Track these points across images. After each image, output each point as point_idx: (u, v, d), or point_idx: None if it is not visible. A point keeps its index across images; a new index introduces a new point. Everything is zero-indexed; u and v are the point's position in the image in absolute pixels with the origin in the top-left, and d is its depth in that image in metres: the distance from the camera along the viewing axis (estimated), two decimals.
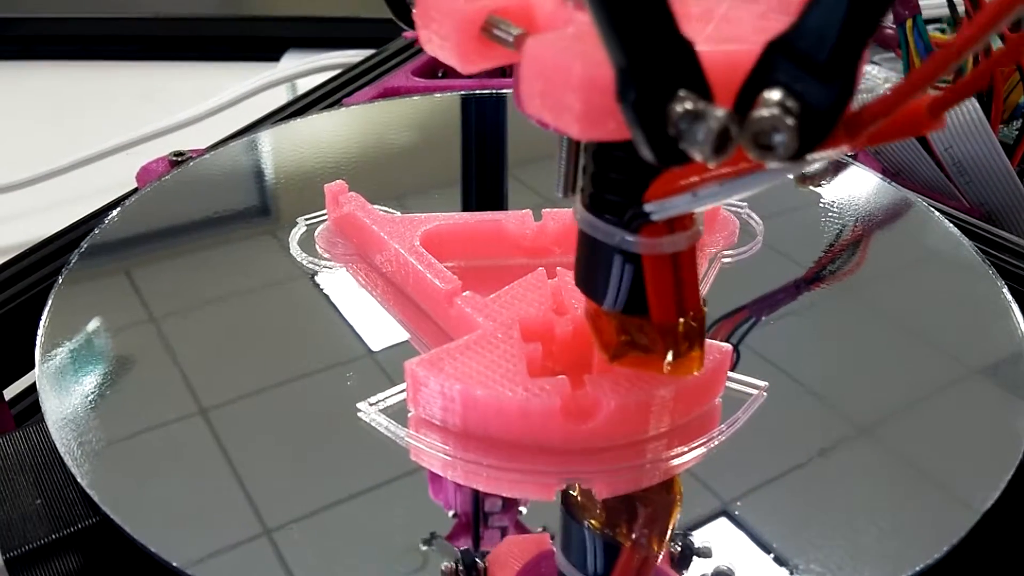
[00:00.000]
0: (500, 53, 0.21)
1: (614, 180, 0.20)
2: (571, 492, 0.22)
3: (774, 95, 0.15)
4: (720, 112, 0.16)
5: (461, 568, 0.21)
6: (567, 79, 0.18)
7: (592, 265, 0.21)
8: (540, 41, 0.19)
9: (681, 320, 0.21)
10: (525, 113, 0.19)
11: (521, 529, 0.22)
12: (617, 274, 0.21)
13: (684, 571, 0.21)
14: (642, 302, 0.21)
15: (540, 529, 0.22)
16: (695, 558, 0.21)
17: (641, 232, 0.20)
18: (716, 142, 0.15)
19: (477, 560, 0.21)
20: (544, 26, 0.21)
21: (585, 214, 0.21)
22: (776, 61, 0.16)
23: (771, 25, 0.16)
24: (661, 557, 0.21)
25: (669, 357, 0.21)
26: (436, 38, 0.22)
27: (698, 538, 0.21)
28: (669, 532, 0.22)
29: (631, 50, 0.16)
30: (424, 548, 0.22)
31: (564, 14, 0.20)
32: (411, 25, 0.23)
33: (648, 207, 0.19)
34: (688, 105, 0.16)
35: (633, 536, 0.21)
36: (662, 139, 0.16)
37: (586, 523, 0.22)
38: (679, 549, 0.21)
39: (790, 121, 0.15)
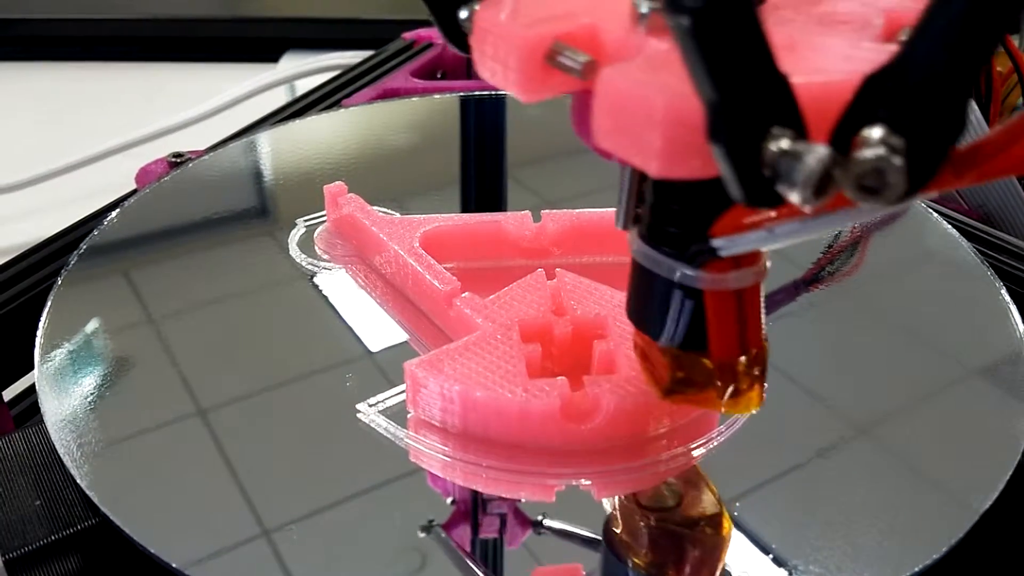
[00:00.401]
0: (565, 81, 0.19)
1: (677, 212, 0.19)
2: (614, 528, 0.22)
3: (876, 133, 0.14)
4: (822, 151, 0.14)
5: None
6: (649, 113, 0.16)
7: (647, 299, 0.20)
8: (616, 71, 0.17)
9: (743, 358, 0.20)
10: (594, 147, 0.18)
11: (520, 519, 0.22)
12: (676, 309, 0.20)
13: None
14: (701, 338, 0.20)
15: (540, 516, 0.22)
16: None
17: (705, 267, 0.19)
18: (817, 185, 0.14)
19: None
20: (613, 53, 0.19)
21: (642, 246, 0.20)
22: (878, 94, 0.15)
23: (860, 54, 0.15)
24: None
25: (728, 394, 0.20)
26: (495, 65, 0.20)
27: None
28: (718, 572, 0.21)
29: (726, 86, 0.15)
30: (422, 536, 0.22)
31: (635, 40, 0.19)
32: (467, 51, 0.21)
33: (716, 242, 0.18)
34: (785, 144, 0.15)
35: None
36: (756, 180, 0.15)
37: (629, 562, 0.21)
38: None
39: (898, 161, 0.14)
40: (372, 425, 0.24)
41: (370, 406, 0.25)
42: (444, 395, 0.23)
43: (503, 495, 0.23)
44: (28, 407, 0.32)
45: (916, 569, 0.20)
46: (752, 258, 0.19)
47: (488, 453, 0.23)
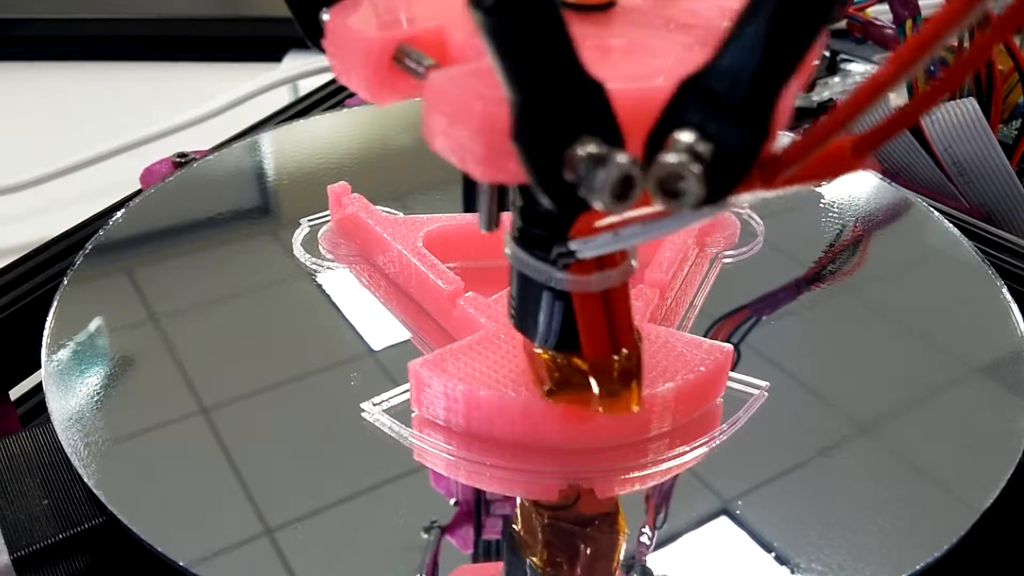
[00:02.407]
0: (414, 85, 0.19)
1: (540, 216, 0.19)
2: (514, 527, 0.22)
3: (684, 137, 0.14)
4: (622, 157, 0.15)
5: None
6: (467, 118, 0.16)
7: (524, 301, 0.21)
8: (443, 76, 0.17)
9: (616, 358, 0.20)
10: (433, 150, 0.18)
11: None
12: (547, 311, 0.20)
13: None
14: (574, 339, 0.20)
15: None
16: None
17: (569, 269, 0.19)
18: (616, 189, 0.15)
19: None
20: (456, 57, 0.19)
21: (515, 249, 0.20)
22: (689, 101, 0.15)
23: (695, 59, 0.15)
24: None
25: (604, 394, 0.21)
26: (345, 67, 0.21)
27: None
28: (613, 571, 0.21)
29: (525, 88, 0.15)
30: (425, 536, 0.22)
31: (477, 44, 0.18)
32: (323, 50, 0.21)
33: (572, 245, 0.18)
34: (588, 149, 0.15)
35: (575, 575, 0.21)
36: (558, 184, 0.15)
37: (528, 561, 0.21)
38: None
39: (696, 168, 0.14)
40: (376, 424, 0.24)
41: (374, 405, 0.25)
42: (448, 394, 0.23)
43: (506, 493, 0.23)
44: (35, 406, 0.32)
45: (917, 567, 0.21)
46: (615, 259, 0.19)
47: (491, 452, 0.23)
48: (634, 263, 0.20)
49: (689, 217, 0.15)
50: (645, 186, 0.15)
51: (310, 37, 0.21)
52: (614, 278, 0.19)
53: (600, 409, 0.21)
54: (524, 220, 0.19)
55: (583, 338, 0.20)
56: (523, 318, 0.21)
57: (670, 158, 0.14)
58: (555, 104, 0.15)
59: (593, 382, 0.21)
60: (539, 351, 0.21)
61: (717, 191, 0.14)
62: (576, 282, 0.19)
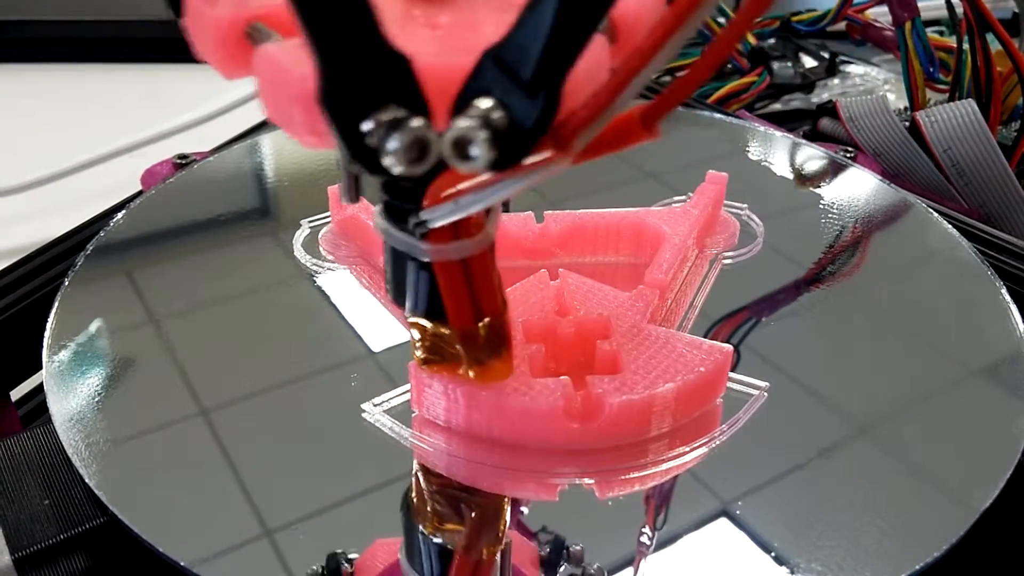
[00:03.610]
0: None
1: (399, 187, 0.19)
2: (410, 494, 0.22)
3: (482, 104, 0.15)
4: (417, 122, 0.15)
5: (325, 572, 0.21)
6: (287, 88, 0.17)
7: (395, 273, 0.21)
8: (270, 49, 0.18)
9: (481, 325, 0.21)
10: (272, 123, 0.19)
11: (519, 527, 0.22)
12: (413, 280, 0.20)
13: (553, 574, 0.21)
14: (440, 308, 0.20)
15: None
16: (565, 563, 0.21)
17: (427, 239, 0.19)
18: (408, 152, 0.15)
19: (343, 563, 0.21)
20: (299, 33, 0.20)
21: (381, 220, 0.20)
22: (488, 70, 0.16)
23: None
24: (520, 559, 0.21)
25: (470, 363, 0.21)
26: (200, 44, 0.21)
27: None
28: (501, 537, 0.21)
29: (323, 55, 0.15)
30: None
31: None
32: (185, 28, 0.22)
33: (422, 214, 0.18)
34: (384, 116, 0.16)
35: (462, 541, 0.21)
36: (362, 148, 0.16)
37: (419, 527, 0.21)
38: (548, 551, 0.21)
39: (484, 133, 0.15)
40: (377, 425, 0.24)
41: (375, 406, 0.25)
42: (448, 395, 0.23)
43: (506, 494, 0.23)
44: (36, 407, 0.32)
45: (917, 567, 0.21)
46: (470, 228, 0.19)
47: (492, 452, 0.23)
48: (492, 232, 0.20)
49: (511, 182, 0.16)
50: (439, 153, 0.15)
51: (175, 13, 0.22)
52: (470, 247, 0.20)
53: (471, 375, 0.22)
54: (386, 192, 0.20)
55: (446, 307, 0.20)
56: (395, 289, 0.21)
57: (461, 122, 0.15)
58: (353, 71, 0.16)
59: (460, 350, 0.21)
60: (411, 321, 0.21)
61: (509, 156, 0.15)
62: (435, 251, 0.19)
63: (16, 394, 0.31)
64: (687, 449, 0.23)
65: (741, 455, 0.24)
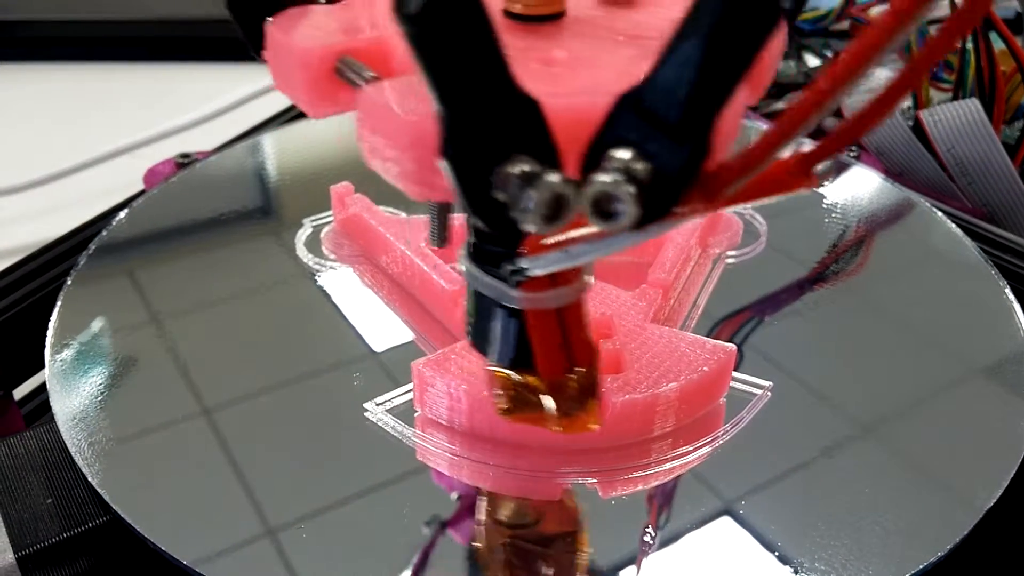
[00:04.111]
0: (353, 98, 0.18)
1: (492, 232, 0.18)
2: (475, 545, 0.22)
3: (620, 155, 0.14)
4: (554, 177, 0.14)
5: None
6: (395, 133, 0.16)
7: (479, 318, 0.20)
8: (375, 88, 0.17)
9: (571, 377, 0.20)
10: (367, 165, 0.18)
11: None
12: (502, 328, 0.19)
13: None
14: (529, 357, 0.19)
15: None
16: None
17: (522, 286, 0.18)
18: (547, 210, 0.14)
19: None
20: (398, 70, 0.19)
21: (469, 265, 0.19)
22: (626, 117, 0.14)
23: (641, 73, 0.14)
24: None
25: (557, 414, 0.20)
26: (284, 78, 0.20)
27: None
28: None
29: (449, 101, 0.14)
30: (426, 532, 0.22)
31: None
32: (264, 60, 0.21)
33: (523, 262, 0.17)
34: (518, 168, 0.14)
35: None
36: (488, 203, 0.15)
37: None
38: None
39: (630, 189, 0.13)
40: (379, 424, 0.24)
41: (377, 405, 0.25)
42: (451, 394, 0.23)
43: (509, 493, 0.23)
44: (38, 406, 0.32)
45: (920, 567, 0.21)
46: (569, 276, 0.18)
47: (495, 452, 0.23)
48: (589, 280, 0.19)
49: (636, 235, 0.14)
50: (579, 206, 0.14)
51: (253, 47, 0.21)
52: (567, 295, 0.19)
53: (557, 428, 0.21)
54: (476, 236, 0.19)
55: (537, 356, 0.19)
56: (478, 335, 0.20)
57: (603, 178, 0.14)
58: (483, 120, 0.14)
59: (548, 401, 0.20)
60: (494, 369, 0.21)
61: (654, 211, 0.14)
62: (529, 299, 0.18)
63: (19, 393, 0.31)
64: (690, 449, 0.23)
65: (744, 455, 0.24)
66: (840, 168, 0.36)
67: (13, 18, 0.64)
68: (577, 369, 0.20)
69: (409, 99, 0.16)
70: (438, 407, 0.24)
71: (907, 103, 0.46)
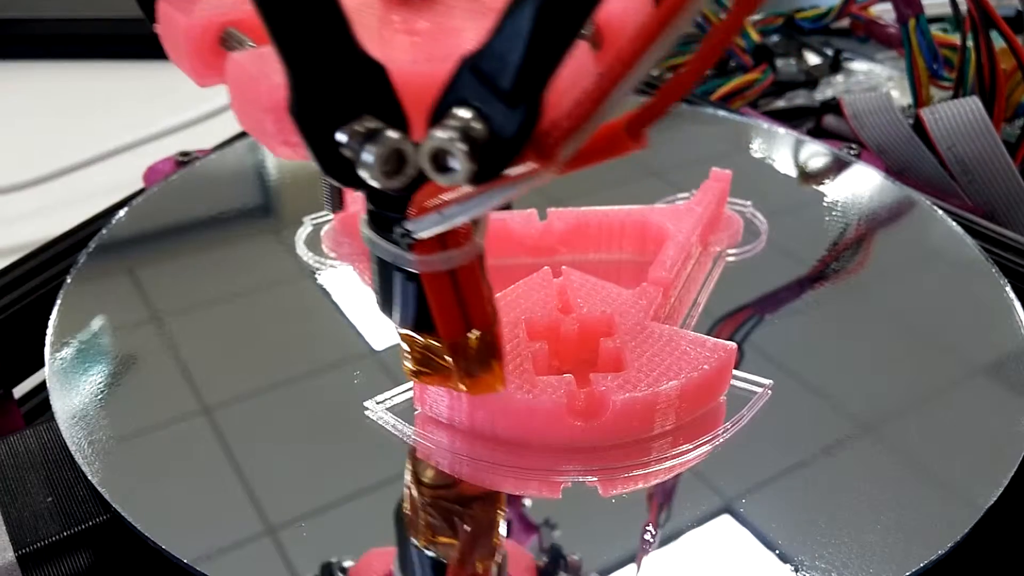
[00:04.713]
0: None
1: (383, 196, 0.19)
2: (403, 507, 0.22)
3: (461, 114, 0.15)
4: (393, 134, 0.15)
5: None
6: (258, 98, 0.17)
7: (383, 284, 0.21)
8: (243, 56, 0.18)
9: (472, 337, 0.20)
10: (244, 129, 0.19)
11: (522, 522, 0.22)
12: (401, 292, 0.20)
13: None
14: (429, 320, 0.20)
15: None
16: (563, 572, 0.21)
17: (414, 249, 0.19)
18: (385, 165, 0.15)
19: (337, 573, 0.21)
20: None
21: (368, 231, 0.20)
22: (466, 80, 0.15)
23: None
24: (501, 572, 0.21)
25: (460, 374, 0.21)
26: (174, 51, 0.21)
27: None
28: (495, 549, 0.21)
29: (294, 63, 0.15)
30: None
31: None
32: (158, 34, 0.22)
33: (408, 225, 0.18)
34: (359, 127, 0.15)
35: (456, 555, 0.21)
36: (335, 160, 0.16)
37: (412, 540, 0.21)
38: (545, 561, 0.21)
39: (463, 146, 0.14)
40: (379, 422, 0.24)
41: (377, 403, 0.25)
42: (451, 392, 0.23)
43: (510, 492, 0.23)
44: (38, 404, 0.32)
45: (920, 565, 0.21)
46: (459, 239, 0.19)
47: (495, 450, 0.23)
48: (480, 242, 0.20)
49: (496, 193, 0.15)
50: (417, 164, 0.15)
51: (148, 18, 0.22)
52: (458, 258, 0.19)
53: (463, 388, 0.21)
54: (371, 202, 0.19)
55: (435, 318, 0.20)
56: (384, 301, 0.21)
57: (440, 134, 0.15)
58: (325, 81, 0.15)
59: (451, 361, 0.21)
60: (401, 332, 0.21)
61: (489, 168, 0.15)
62: (422, 262, 0.19)
63: (19, 391, 0.31)
64: (690, 447, 0.23)
65: (744, 453, 0.24)
66: (840, 166, 0.36)
67: (13, 16, 0.64)
68: (476, 331, 0.20)
69: (270, 64, 0.17)
70: (438, 405, 0.24)
71: (908, 101, 0.46)
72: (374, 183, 0.15)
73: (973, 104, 0.37)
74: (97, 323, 0.28)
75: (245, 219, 0.34)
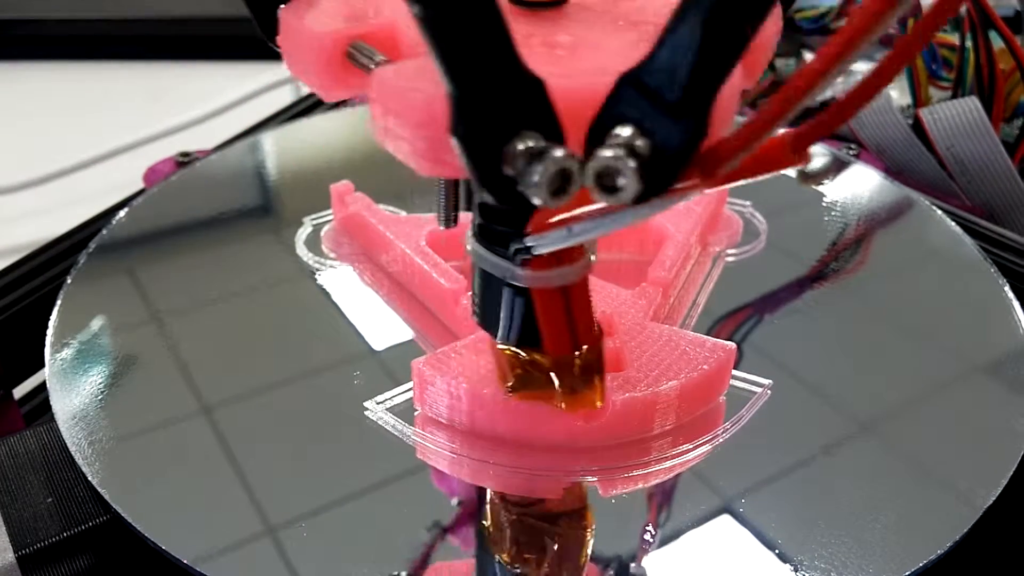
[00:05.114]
0: (365, 82, 0.19)
1: (499, 212, 0.19)
2: (484, 523, 0.22)
3: (623, 132, 0.15)
4: (559, 152, 0.15)
5: None
6: (408, 111, 0.17)
7: (485, 297, 0.21)
8: (388, 71, 0.18)
9: (577, 354, 0.20)
10: (379, 145, 0.18)
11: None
12: (508, 307, 0.20)
13: None
14: (535, 335, 0.20)
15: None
16: None
17: (528, 265, 0.19)
18: (553, 183, 0.15)
19: None
20: (407, 54, 0.19)
21: (475, 245, 0.20)
22: (627, 95, 0.15)
23: (641, 56, 0.15)
24: None
25: (563, 391, 0.21)
26: (298, 64, 0.21)
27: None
28: (581, 567, 0.21)
29: (459, 80, 0.15)
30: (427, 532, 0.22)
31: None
32: (277, 47, 0.21)
33: (528, 240, 0.18)
34: (525, 144, 0.15)
35: (543, 572, 0.21)
36: (497, 179, 0.15)
37: (497, 558, 0.21)
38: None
39: (632, 163, 0.14)
40: (379, 423, 0.24)
41: (377, 404, 0.25)
42: (451, 392, 0.23)
43: (510, 492, 0.23)
44: (38, 405, 0.32)
45: (920, 564, 0.21)
46: (573, 255, 0.19)
47: (495, 450, 0.23)
48: (593, 258, 0.20)
49: (638, 212, 0.15)
50: (583, 181, 0.15)
51: (266, 34, 0.21)
52: (572, 274, 0.19)
53: (563, 406, 0.21)
54: (483, 216, 0.19)
55: (544, 334, 0.20)
56: (485, 315, 0.21)
57: (606, 152, 0.14)
58: (491, 98, 0.15)
59: (554, 378, 0.21)
60: (501, 348, 0.21)
61: (655, 186, 0.14)
62: (535, 278, 0.19)
63: (19, 392, 0.31)
64: (690, 447, 0.23)
65: (744, 453, 0.24)
66: (840, 166, 0.36)
67: (13, 17, 0.64)
68: (582, 347, 0.20)
69: (420, 80, 0.17)
70: (438, 405, 0.24)
71: (907, 101, 0.46)
72: (539, 201, 0.15)
73: (972, 104, 0.37)
74: (97, 323, 0.28)
75: (245, 219, 0.34)
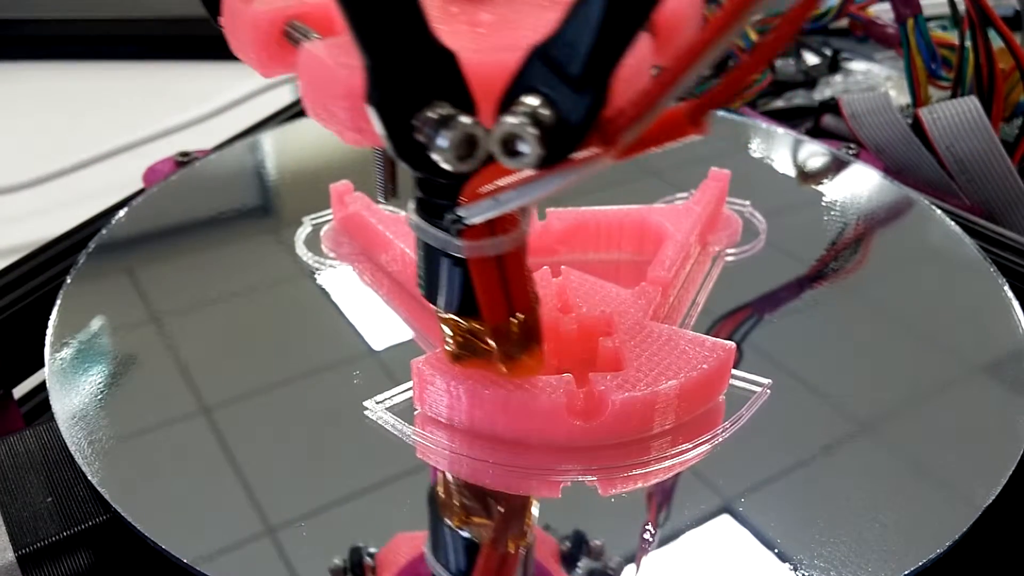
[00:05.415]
0: None
1: (435, 185, 0.19)
2: (437, 489, 0.23)
3: (530, 101, 0.16)
4: (466, 119, 0.16)
5: (348, 567, 0.21)
6: (333, 85, 0.18)
7: (428, 269, 0.21)
8: (315, 46, 0.19)
9: (513, 321, 0.21)
10: (309, 116, 0.19)
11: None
12: (447, 277, 0.21)
13: (572, 570, 0.21)
14: (473, 304, 0.21)
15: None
16: (585, 558, 0.21)
17: (463, 235, 0.19)
18: (459, 149, 0.16)
19: (366, 557, 0.21)
20: (341, 32, 0.20)
21: (415, 218, 0.21)
22: (535, 68, 0.16)
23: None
24: (538, 555, 0.21)
25: (502, 357, 0.22)
26: (238, 43, 0.22)
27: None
28: (527, 530, 0.22)
29: (371, 51, 0.16)
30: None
31: None
32: (221, 27, 0.22)
33: (460, 211, 0.19)
34: (433, 113, 0.16)
35: (490, 535, 0.21)
36: (409, 145, 0.16)
37: (446, 520, 0.22)
38: (568, 547, 0.21)
39: (533, 130, 0.15)
40: (379, 422, 0.24)
41: (377, 403, 0.25)
42: (451, 392, 0.23)
43: (509, 491, 0.23)
44: (38, 404, 0.32)
45: (919, 564, 0.21)
46: (507, 225, 0.20)
47: (494, 450, 0.23)
48: (526, 229, 0.20)
49: (552, 180, 0.16)
50: (488, 149, 0.16)
51: (210, 13, 0.23)
52: (506, 243, 0.20)
53: (504, 370, 0.22)
54: (422, 189, 0.20)
55: (480, 303, 0.21)
56: (429, 286, 0.22)
57: (510, 119, 0.15)
58: (402, 68, 0.16)
59: (493, 344, 0.21)
60: (443, 317, 0.22)
61: (556, 152, 0.15)
62: (470, 247, 0.20)
63: (19, 392, 0.31)
64: (690, 446, 0.23)
65: (744, 452, 0.24)
66: (839, 166, 0.36)
67: (13, 17, 0.64)
68: (518, 315, 0.21)
69: (342, 54, 0.18)
70: (438, 405, 0.24)
71: (906, 101, 0.46)
72: (446, 166, 0.16)
73: (971, 104, 0.37)
74: (97, 323, 0.28)
75: (245, 219, 0.34)
